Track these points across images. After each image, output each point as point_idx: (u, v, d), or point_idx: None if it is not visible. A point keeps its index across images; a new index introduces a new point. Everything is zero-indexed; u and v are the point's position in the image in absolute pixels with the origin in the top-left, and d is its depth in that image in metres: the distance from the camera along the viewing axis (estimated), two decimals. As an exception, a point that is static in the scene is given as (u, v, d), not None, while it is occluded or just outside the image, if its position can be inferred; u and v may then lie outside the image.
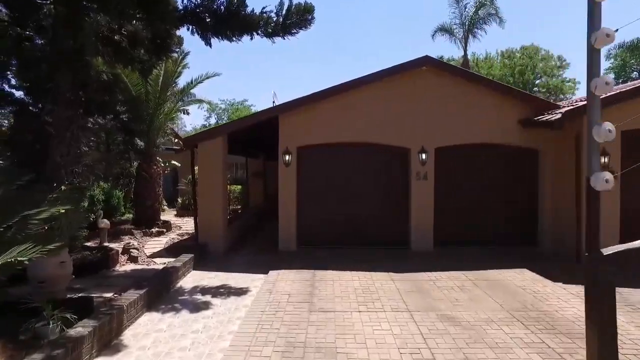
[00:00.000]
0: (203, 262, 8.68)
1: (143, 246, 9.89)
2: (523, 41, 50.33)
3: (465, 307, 5.94)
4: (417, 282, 7.21)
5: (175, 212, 17.72)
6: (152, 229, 11.92)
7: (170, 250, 9.47)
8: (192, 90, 16.32)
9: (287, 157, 9.58)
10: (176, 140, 20.83)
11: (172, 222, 14.04)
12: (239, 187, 16.35)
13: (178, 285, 7.14)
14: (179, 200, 17.63)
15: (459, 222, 10.00)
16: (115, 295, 6.11)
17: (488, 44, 58.56)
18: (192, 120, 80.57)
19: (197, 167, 9.72)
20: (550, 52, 35.43)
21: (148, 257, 8.74)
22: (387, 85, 9.78)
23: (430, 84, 9.84)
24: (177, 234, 12.07)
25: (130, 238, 11.02)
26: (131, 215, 13.52)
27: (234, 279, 7.60)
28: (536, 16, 53.57)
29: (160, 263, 8.18)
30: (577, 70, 52.15)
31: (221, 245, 9.52)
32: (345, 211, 10.01)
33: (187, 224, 14.36)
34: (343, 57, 63.34)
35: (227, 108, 37.92)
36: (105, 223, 9.93)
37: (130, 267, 7.89)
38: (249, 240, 11.27)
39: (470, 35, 26.89)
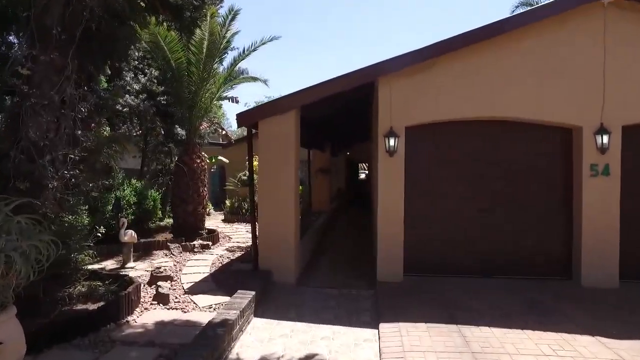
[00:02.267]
0: (267, 299, 5.60)
1: (180, 270, 6.95)
2: None
3: None
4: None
5: (222, 217, 14.96)
6: (194, 242, 9.04)
7: (219, 279, 6.45)
8: (243, 66, 13.47)
9: (391, 142, 6.30)
10: (223, 132, 18.21)
11: (219, 230, 11.17)
12: (300, 187, 13.27)
13: (233, 354, 4.05)
14: (227, 202, 14.83)
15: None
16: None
17: None
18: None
19: (256, 158, 6.67)
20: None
21: (186, 291, 5.74)
22: (539, 33, 6.27)
23: (614, 28, 6.20)
24: (227, 249, 9.12)
25: (165, 255, 8.17)
26: (171, 221, 10.80)
27: (326, 341, 4.41)
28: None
29: (204, 308, 5.13)
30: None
31: (292, 272, 6.40)
32: (474, 224, 6.60)
33: (238, 233, 11.43)
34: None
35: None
36: (130, 235, 7.11)
37: (154, 315, 4.86)
38: (323, 260, 8.08)
39: None
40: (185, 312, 4.91)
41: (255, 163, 9.78)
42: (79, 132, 4.46)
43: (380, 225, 6.43)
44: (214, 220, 14.57)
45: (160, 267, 6.57)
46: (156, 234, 10.73)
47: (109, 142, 5.21)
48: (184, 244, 8.70)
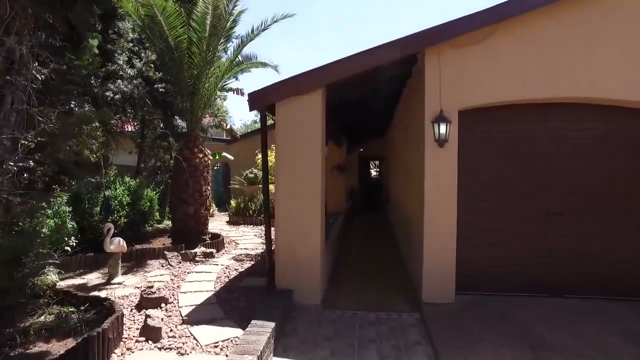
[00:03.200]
0: (290, 330, 4.34)
1: (178, 286, 5.68)
2: None
3: None
4: None
5: (227, 219, 13.71)
6: (196, 249, 7.79)
7: (226, 299, 5.18)
8: (252, 51, 12.34)
9: (441, 129, 5.02)
10: (227, 126, 16.97)
11: (224, 235, 9.91)
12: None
13: None
14: (232, 202, 13.57)
15: None
16: None
17: None
18: (242, 114, 73.06)
19: (273, 149, 5.39)
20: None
21: (184, 319, 4.45)
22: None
23: None
24: (234, 257, 7.86)
25: (162, 265, 6.92)
26: (170, 223, 9.56)
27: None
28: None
29: (207, 346, 3.83)
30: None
31: (317, 290, 5.12)
32: (542, 230, 5.30)
33: (245, 238, 10.17)
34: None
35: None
36: (117, 244, 5.86)
37: (141, 358, 3.61)
38: (347, 271, 6.79)
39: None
40: (182, 354, 3.62)
41: (271, 158, 8.51)
42: (36, 109, 3.20)
43: (427, 235, 5.15)
44: (218, 222, 13.32)
45: (152, 286, 5.28)
46: (153, 238, 9.52)
47: (81, 123, 3.90)
48: (183, 252, 7.44)
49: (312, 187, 5.11)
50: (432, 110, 5.13)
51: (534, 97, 5.08)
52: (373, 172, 22.35)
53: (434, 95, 5.13)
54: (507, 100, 5.11)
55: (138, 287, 5.52)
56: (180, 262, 7.10)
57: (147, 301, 4.63)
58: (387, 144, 14.70)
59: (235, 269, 6.74)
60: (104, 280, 5.84)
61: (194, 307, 4.84)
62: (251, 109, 5.23)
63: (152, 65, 9.69)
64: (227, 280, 6.07)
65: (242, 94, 11.21)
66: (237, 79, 12.00)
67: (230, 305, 4.92)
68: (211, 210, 14.10)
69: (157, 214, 9.79)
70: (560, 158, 5.22)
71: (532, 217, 5.26)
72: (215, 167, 18.95)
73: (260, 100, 5.14)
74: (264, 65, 10.17)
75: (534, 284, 5.27)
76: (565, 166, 5.22)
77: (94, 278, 6.03)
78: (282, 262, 5.19)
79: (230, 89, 14.98)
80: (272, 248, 5.52)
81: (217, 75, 9.10)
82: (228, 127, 16.30)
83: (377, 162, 20.16)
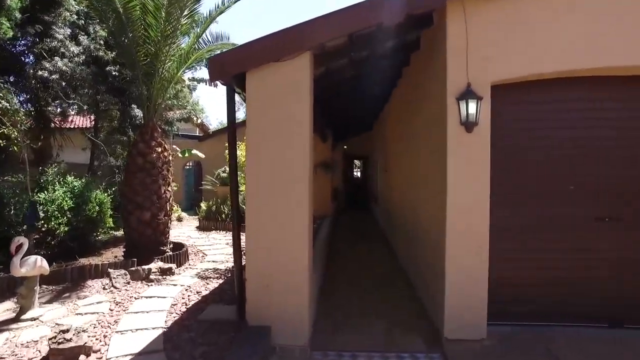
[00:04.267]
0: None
1: (116, 322, 4.20)
2: None
3: None
4: None
5: (197, 224, 12.19)
6: (152, 264, 6.32)
7: (177, 342, 3.75)
8: (222, 32, 11.03)
9: (470, 108, 3.75)
10: (198, 120, 15.40)
11: (190, 244, 8.45)
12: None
13: None
14: (202, 206, 12.05)
15: None
16: None
17: None
18: (220, 112, 66.62)
19: (246, 133, 3.97)
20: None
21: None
22: None
23: None
24: (198, 273, 6.42)
25: (103, 288, 5.43)
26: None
27: None
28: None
29: None
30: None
31: (305, 325, 3.75)
32: (597, 240, 4.08)
33: (215, 247, 8.73)
34: None
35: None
36: (32, 265, 4.33)
37: None
38: (341, 292, 5.43)
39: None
40: None
41: (243, 152, 7.16)
42: None
43: (450, 249, 3.87)
44: (186, 228, 11.80)
45: (67, 329, 3.64)
46: (106, 249, 8.01)
47: None
48: (134, 268, 5.95)
49: (296, 189, 3.75)
50: (456, 84, 3.86)
51: (591, 66, 3.86)
52: (357, 171, 21.15)
53: (458, 63, 3.86)
54: (558, 71, 3.85)
55: (59, 324, 4.04)
56: (128, 283, 5.62)
57: (58, 354, 3.18)
58: (376, 140, 13.48)
59: (198, 292, 5.31)
60: (14, 315, 4.32)
61: (130, 358, 3.40)
62: (212, 79, 3.82)
63: (103, 43, 8.13)
64: (184, 309, 4.63)
65: (216, 85, 9.79)
66: (206, 66, 10.56)
67: (182, 353, 3.51)
68: (179, 214, 12.56)
69: (111, 220, 8.23)
70: (619, 147, 4.02)
71: (582, 224, 4.05)
72: (186, 167, 17.35)
73: (225, 67, 3.73)
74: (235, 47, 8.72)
75: (586, 311, 4.05)
76: (625, 158, 4.03)
77: (1, 310, 4.50)
78: (254, 289, 3.80)
79: (202, 80, 13.50)
80: (244, 265, 4.14)
81: (180, 55, 7.64)
82: (199, 121, 14.72)
83: (361, 161, 18.94)
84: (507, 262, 4.00)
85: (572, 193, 4.03)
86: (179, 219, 13.24)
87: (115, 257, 7.32)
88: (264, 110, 3.79)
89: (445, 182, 3.91)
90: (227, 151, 4.31)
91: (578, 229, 4.03)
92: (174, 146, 15.47)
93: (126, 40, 6.85)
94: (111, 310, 4.51)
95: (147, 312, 4.46)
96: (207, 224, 11.40)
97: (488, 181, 3.85)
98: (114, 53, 8.19)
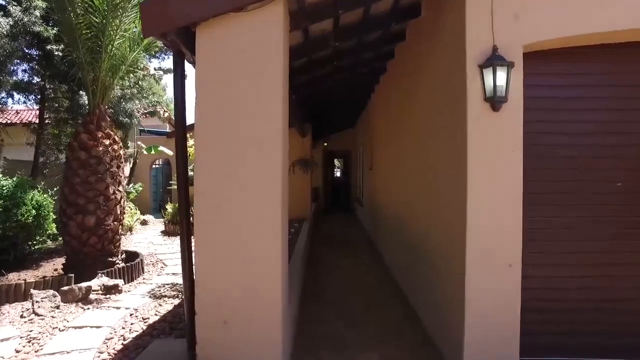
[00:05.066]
0: None
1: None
2: None
3: None
4: None
5: (163, 228, 10.98)
6: (94, 280, 5.16)
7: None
8: None
9: (498, 79, 2.81)
10: (165, 113, 14.13)
11: (149, 252, 7.30)
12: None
13: None
14: (169, 208, 10.84)
15: None
16: None
17: None
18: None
19: (195, 114, 2.94)
20: None
21: None
22: None
23: None
24: (151, 291, 5.31)
25: (21, 314, 4.26)
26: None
27: None
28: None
29: None
30: None
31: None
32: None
33: (179, 255, 7.56)
34: None
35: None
36: None
37: None
38: (321, 315, 4.42)
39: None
40: None
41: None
42: None
43: (471, 265, 2.92)
44: (151, 233, 10.58)
45: None
46: (46, 260, 6.82)
47: None
48: (66, 288, 4.78)
49: (266, 191, 2.72)
50: (477, 46, 2.92)
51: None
52: (338, 170, 20.22)
53: (480, 20, 2.92)
54: (612, 30, 2.95)
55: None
56: (57, 307, 4.46)
57: None
58: (360, 136, 12.57)
59: (145, 318, 4.20)
60: None
61: None
62: (147, 34, 2.76)
63: (40, 15, 6.88)
64: (121, 345, 3.53)
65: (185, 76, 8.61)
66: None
67: None
68: (137, 219, 11.29)
69: (54, 226, 6.98)
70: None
71: (635, 230, 3.16)
72: (155, 165, 16.04)
73: (165, 17, 2.67)
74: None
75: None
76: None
77: None
78: (208, 326, 2.75)
79: (171, 70, 12.25)
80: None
81: (135, 32, 6.49)
82: (166, 114, 13.47)
83: (342, 159, 18.00)
84: (543, 281, 3.08)
85: (620, 192, 3.14)
86: (144, 223, 11.98)
87: (56, 270, 6.13)
88: (221, 81, 2.75)
89: (463, 178, 2.96)
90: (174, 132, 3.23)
91: (634, 237, 3.14)
92: (139, 142, 14.20)
93: (61, 7, 5.66)
94: (17, 352, 3.37)
95: (68, 353, 3.34)
96: (174, 228, 10.20)
97: (520, 176, 2.93)
98: (56, 29, 6.95)
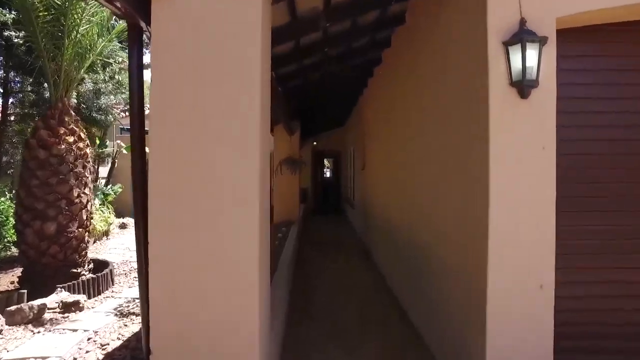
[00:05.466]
0: None
1: None
2: None
3: None
4: None
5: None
6: (51, 297, 4.51)
7: None
8: None
9: (530, 58, 2.28)
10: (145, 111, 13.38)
11: (124, 260, 6.67)
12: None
13: None
14: (148, 210, 10.13)
15: None
16: None
17: None
18: None
19: (149, 98, 2.37)
20: None
21: None
22: None
23: None
24: (117, 307, 4.69)
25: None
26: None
27: None
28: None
29: None
30: None
31: None
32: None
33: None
34: None
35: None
36: None
37: None
38: (312, 338, 3.87)
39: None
40: None
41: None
42: None
43: (493, 283, 2.39)
44: (129, 237, 9.88)
45: None
46: (4, 272, 6.12)
47: None
48: (13, 308, 4.13)
49: (241, 195, 2.15)
50: (501, 19, 2.40)
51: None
52: (328, 170, 19.67)
53: (504, -13, 2.39)
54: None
55: None
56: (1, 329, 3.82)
57: None
58: (352, 134, 12.04)
59: (103, 345, 3.58)
60: None
61: None
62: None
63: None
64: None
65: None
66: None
67: None
68: (120, 221, 10.59)
69: (13, 233, 6.30)
70: None
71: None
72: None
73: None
74: None
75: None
76: None
77: None
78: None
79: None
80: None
81: (104, 17, 5.87)
82: (147, 112, 12.73)
83: (332, 159, 17.44)
84: (578, 301, 2.56)
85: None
86: (123, 226, 11.25)
87: (12, 283, 5.48)
88: (182, 64, 2.18)
89: (484, 180, 2.43)
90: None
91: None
92: (119, 142, 13.47)
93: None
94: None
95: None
96: (152, 233, 9.52)
97: (553, 178, 2.40)
98: (14, 12, 6.27)
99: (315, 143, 14.72)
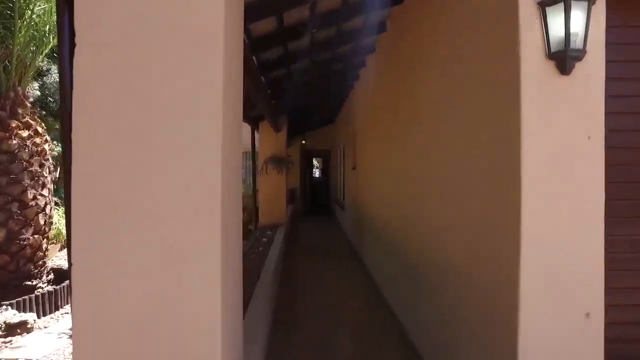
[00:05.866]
0: None
1: None
2: None
3: None
4: None
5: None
6: (-8, 316, 3.89)
7: None
8: None
9: (574, 23, 1.77)
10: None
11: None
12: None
13: None
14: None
15: None
16: None
17: None
18: None
19: (73, 92, 1.80)
20: None
21: None
22: None
23: None
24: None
25: None
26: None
27: None
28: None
29: None
30: None
31: None
32: None
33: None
34: None
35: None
36: None
37: None
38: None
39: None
40: None
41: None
42: None
43: (526, 307, 1.87)
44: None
45: None
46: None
47: None
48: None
49: (197, 203, 1.57)
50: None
51: None
52: (317, 169, 19.13)
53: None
54: None
55: None
56: None
57: None
58: (342, 131, 11.53)
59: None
60: None
61: None
62: None
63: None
64: None
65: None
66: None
67: None
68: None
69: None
70: None
71: None
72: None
73: None
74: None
75: None
76: None
77: None
78: None
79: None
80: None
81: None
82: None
83: (321, 159, 16.91)
84: (628, 329, 2.05)
85: None
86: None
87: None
88: (115, 36, 1.58)
89: (515, 179, 1.91)
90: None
91: None
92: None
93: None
94: None
95: None
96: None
97: (602, 177, 1.89)
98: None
99: (304, 142, 14.19)
